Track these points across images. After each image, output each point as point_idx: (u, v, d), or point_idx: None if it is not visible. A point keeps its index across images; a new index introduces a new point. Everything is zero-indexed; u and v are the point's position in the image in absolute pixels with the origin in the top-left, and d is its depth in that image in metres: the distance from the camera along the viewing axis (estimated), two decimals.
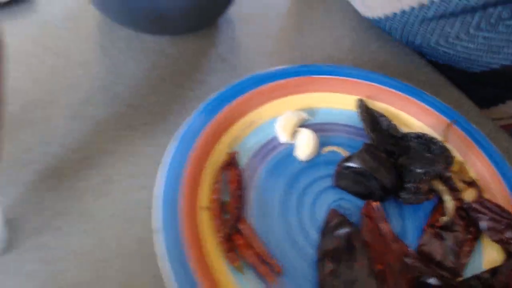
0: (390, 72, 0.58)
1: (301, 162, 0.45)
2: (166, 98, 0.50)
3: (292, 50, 0.58)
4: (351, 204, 0.43)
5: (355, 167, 0.41)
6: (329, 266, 0.37)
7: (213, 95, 0.45)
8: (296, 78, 0.48)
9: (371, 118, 0.46)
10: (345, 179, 0.42)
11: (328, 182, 0.44)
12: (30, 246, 0.38)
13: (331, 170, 0.44)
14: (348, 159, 0.41)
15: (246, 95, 0.46)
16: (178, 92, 0.51)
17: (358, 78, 0.50)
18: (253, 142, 0.45)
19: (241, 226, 0.39)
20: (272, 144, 0.45)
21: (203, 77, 0.53)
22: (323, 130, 0.47)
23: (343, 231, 0.39)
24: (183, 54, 0.55)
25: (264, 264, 0.37)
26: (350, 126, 0.48)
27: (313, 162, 0.45)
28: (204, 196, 0.40)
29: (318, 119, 0.48)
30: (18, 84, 0.49)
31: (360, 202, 0.43)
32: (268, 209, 0.41)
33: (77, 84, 0.50)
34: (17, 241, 0.38)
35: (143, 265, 0.38)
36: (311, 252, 0.39)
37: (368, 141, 0.45)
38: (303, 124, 0.47)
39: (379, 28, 0.63)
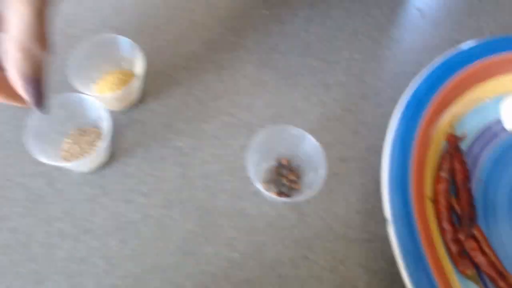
0: None
1: None
2: (362, 55, 0.43)
3: (499, 12, 0.49)
4: None
5: None
6: None
7: (434, 63, 0.38)
8: None
9: None
10: None
11: None
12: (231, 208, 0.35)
13: None
14: None
15: (473, 64, 0.38)
16: (374, 48, 0.44)
17: None
18: (475, 123, 0.38)
19: (474, 229, 0.33)
20: (495, 128, 0.38)
21: (399, 34, 0.45)
22: None
23: None
24: (378, 3, 0.47)
25: (502, 277, 0.32)
26: None
27: None
28: (427, 184, 0.34)
29: None
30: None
31: None
32: (494, 208, 0.35)
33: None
34: None
35: (348, 249, 0.34)
36: None
37: None
38: None
39: None
